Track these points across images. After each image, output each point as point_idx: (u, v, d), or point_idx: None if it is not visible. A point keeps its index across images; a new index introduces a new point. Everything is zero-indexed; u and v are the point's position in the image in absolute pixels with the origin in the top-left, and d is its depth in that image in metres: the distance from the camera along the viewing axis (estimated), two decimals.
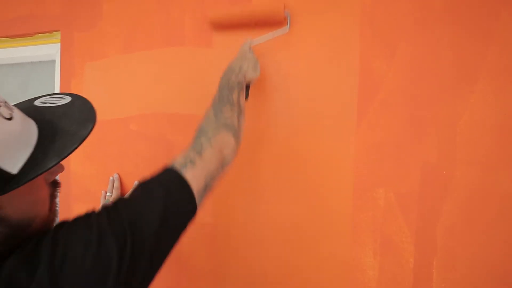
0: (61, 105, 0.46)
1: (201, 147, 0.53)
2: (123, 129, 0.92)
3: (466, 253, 0.66)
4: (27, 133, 0.38)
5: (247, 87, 0.70)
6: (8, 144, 0.35)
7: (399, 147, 0.70)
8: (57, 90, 1.03)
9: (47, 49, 1.07)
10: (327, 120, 0.75)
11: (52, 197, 0.45)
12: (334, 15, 0.75)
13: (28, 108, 0.44)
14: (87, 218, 0.40)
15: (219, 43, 0.83)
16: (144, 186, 0.46)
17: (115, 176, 0.92)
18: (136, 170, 0.91)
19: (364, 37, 0.73)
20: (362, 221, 0.71)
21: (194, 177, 0.48)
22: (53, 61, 1.08)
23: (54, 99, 0.48)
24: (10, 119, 0.36)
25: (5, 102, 0.38)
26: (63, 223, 0.40)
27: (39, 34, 1.05)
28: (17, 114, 0.38)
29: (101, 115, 0.94)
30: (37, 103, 0.47)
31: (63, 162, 0.41)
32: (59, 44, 1.01)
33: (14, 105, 0.44)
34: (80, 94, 0.49)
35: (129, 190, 0.91)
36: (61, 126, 0.41)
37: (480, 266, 0.65)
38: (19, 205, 0.38)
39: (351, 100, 0.73)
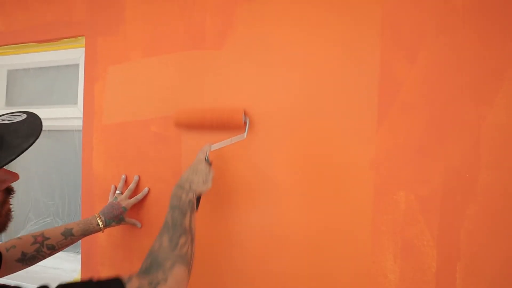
0: (15, 122, 0.53)
1: (158, 284, 0.52)
2: (145, 131, 0.94)
3: (491, 259, 0.64)
4: None
5: (198, 199, 0.71)
6: None
7: (420, 149, 0.69)
8: (81, 93, 1.07)
9: (72, 53, 1.12)
10: (346, 121, 0.75)
11: (4, 203, 0.51)
12: (355, 18, 0.75)
13: None
14: None
15: (238, 47, 0.85)
16: None
17: (135, 178, 0.95)
18: (156, 172, 0.93)
19: (384, 40, 0.73)
20: (383, 224, 0.71)
21: None
22: (77, 65, 1.12)
23: (12, 116, 0.55)
24: None
25: None
26: None
27: (65, 39, 1.09)
28: None
29: (123, 117, 0.97)
30: None
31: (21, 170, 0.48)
32: (84, 48, 1.05)
33: None
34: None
35: (144, 189, 0.93)
36: (8, 140, 0.48)
37: (505, 272, 0.64)
38: None
39: (371, 102, 0.73)
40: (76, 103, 1.11)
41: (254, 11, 0.83)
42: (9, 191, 0.53)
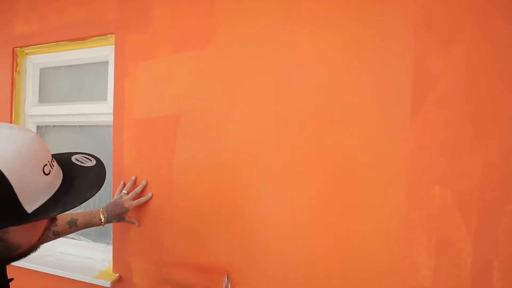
0: (86, 166, 0.58)
1: None
2: (172, 125, 0.96)
3: None
4: (52, 185, 0.50)
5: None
6: (37, 193, 0.46)
7: (456, 144, 0.68)
8: (110, 89, 1.10)
9: (101, 51, 1.15)
10: (380, 116, 0.74)
11: (46, 229, 0.54)
12: (387, 8, 0.74)
13: (66, 161, 0.57)
14: None
15: (267, 42, 0.85)
16: None
17: (142, 183, 0.99)
18: (185, 164, 0.95)
19: (418, 33, 0.71)
20: (416, 218, 0.70)
21: None
22: (106, 62, 1.15)
23: (85, 159, 0.61)
24: (47, 174, 0.48)
25: (51, 160, 0.50)
26: None
27: (95, 37, 1.12)
28: (54, 169, 0.50)
29: (152, 112, 1.00)
30: (73, 158, 0.60)
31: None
32: (113, 46, 1.08)
33: (57, 154, 0.58)
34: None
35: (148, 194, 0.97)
36: (76, 184, 0.53)
37: None
38: (19, 231, 0.48)
39: (404, 96, 0.72)
40: (106, 99, 1.15)
41: (287, 11, 0.83)
42: (54, 219, 0.56)
